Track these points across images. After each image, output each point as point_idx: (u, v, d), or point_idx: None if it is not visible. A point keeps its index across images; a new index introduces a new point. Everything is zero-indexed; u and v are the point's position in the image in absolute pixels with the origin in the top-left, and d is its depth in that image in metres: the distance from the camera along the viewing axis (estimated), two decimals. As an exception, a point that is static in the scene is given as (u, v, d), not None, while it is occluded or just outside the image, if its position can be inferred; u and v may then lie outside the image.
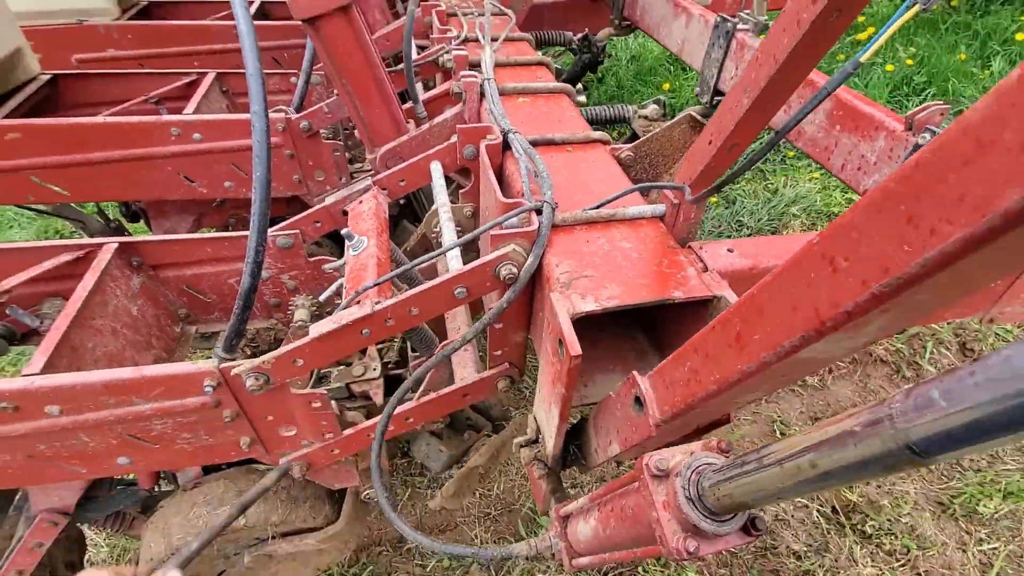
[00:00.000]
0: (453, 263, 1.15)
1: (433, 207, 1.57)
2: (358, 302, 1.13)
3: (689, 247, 1.10)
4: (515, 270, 1.05)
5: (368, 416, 1.74)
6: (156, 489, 1.72)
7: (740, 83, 0.88)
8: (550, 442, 1.07)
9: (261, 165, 1.20)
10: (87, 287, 1.31)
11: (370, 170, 1.93)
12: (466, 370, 1.36)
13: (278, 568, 1.86)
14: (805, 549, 2.26)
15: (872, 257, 0.40)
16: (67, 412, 1.09)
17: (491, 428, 1.90)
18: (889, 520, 2.27)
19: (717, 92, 2.35)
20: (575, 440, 1.15)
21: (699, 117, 1.42)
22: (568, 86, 1.71)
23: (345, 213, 1.47)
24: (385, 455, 1.65)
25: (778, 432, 2.65)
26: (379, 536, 2.42)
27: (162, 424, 1.18)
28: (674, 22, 2.77)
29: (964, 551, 2.16)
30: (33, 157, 1.98)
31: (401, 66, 1.92)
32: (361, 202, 1.43)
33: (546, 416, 1.08)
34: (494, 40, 1.98)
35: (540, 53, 2.06)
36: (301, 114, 2.02)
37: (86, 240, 1.42)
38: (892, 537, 2.22)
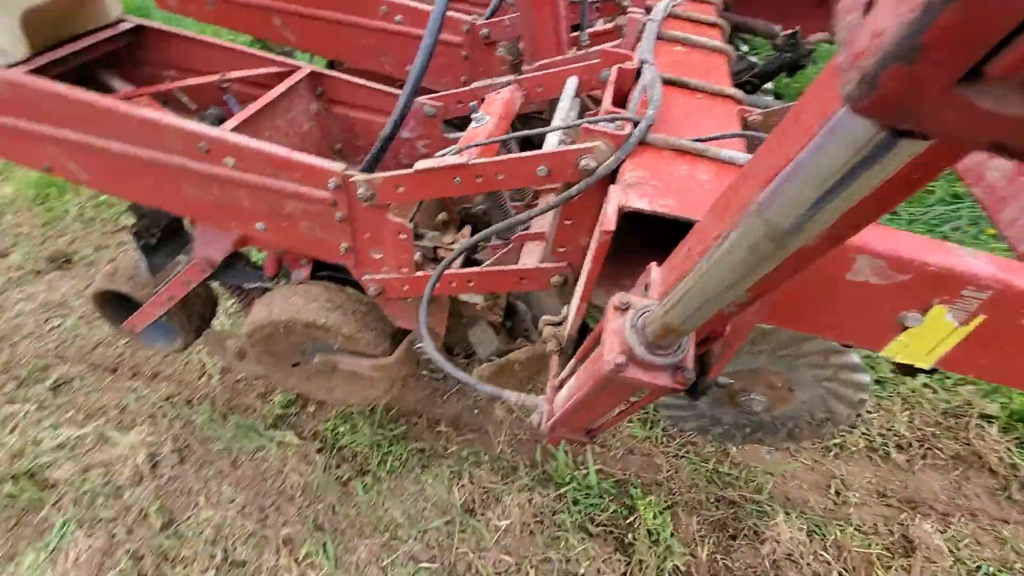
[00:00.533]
0: (550, 143, 1.29)
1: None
2: (461, 153, 1.33)
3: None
4: (594, 164, 1.17)
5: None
6: (275, 280, 2.13)
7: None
8: (569, 322, 1.19)
9: (430, 35, 1.43)
10: (276, 93, 1.67)
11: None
12: (530, 259, 1.51)
13: (336, 383, 2.21)
14: None
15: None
16: (238, 168, 1.44)
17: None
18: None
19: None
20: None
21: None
22: (728, 47, 1.72)
23: (483, 100, 1.68)
24: (443, 321, 1.88)
25: (834, 489, 2.48)
26: (422, 410, 2.72)
27: (293, 205, 1.50)
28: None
29: None
30: (280, 1, 2.46)
31: (581, -1, 2.06)
32: (498, 92, 1.63)
33: (574, 301, 1.21)
34: (680, -4, 2.03)
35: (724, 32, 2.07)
36: (486, 22, 2.26)
37: (290, 60, 1.79)
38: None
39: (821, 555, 2.21)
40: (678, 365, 0.73)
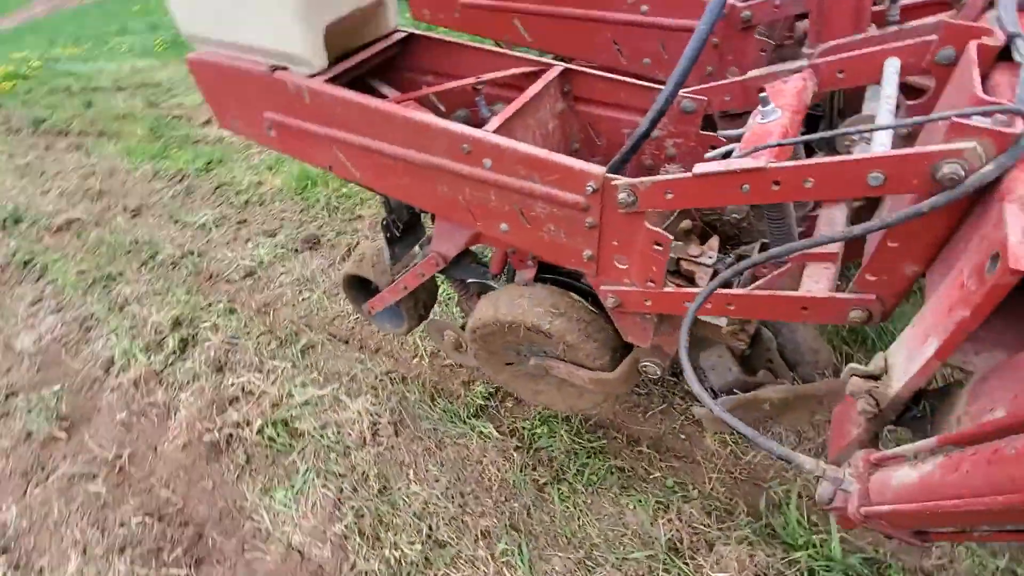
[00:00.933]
0: (880, 140, 1.01)
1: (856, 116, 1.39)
2: (752, 156, 1.11)
3: None
4: (962, 172, 0.87)
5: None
6: (498, 278, 2.14)
7: None
8: (901, 380, 0.91)
9: (709, 18, 1.23)
10: (532, 93, 1.62)
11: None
12: (818, 286, 1.23)
13: (545, 387, 2.16)
14: None
15: None
16: (493, 168, 1.42)
17: (791, 382, 1.73)
18: None
19: None
20: (931, 400, 0.95)
21: None
22: None
23: (761, 90, 1.42)
24: (674, 340, 1.68)
25: None
26: (622, 425, 2.56)
27: (542, 208, 1.43)
28: None
29: None
30: (520, 2, 2.47)
31: (889, -38, 1.66)
32: (786, 81, 1.36)
33: (910, 353, 0.92)
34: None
35: None
36: (746, 3, 1.97)
37: (541, 59, 1.74)
38: None
39: None
40: None
